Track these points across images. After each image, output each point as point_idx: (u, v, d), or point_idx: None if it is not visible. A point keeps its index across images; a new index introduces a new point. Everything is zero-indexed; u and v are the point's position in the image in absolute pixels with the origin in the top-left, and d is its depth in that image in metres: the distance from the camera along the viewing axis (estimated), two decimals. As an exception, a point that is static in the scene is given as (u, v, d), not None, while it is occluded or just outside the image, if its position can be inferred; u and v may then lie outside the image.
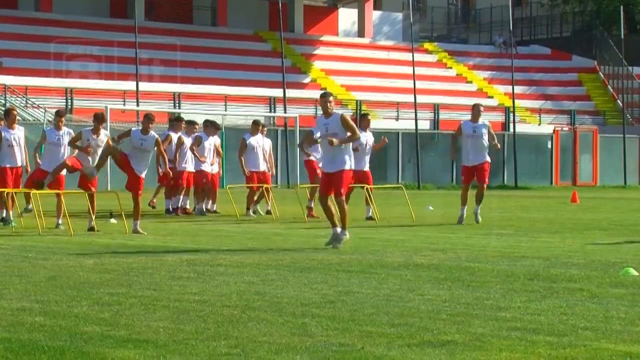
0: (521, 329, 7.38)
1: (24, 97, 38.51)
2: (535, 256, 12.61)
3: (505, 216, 21.99)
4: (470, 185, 19.58)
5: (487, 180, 19.66)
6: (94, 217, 17.18)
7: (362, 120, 21.49)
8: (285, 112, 40.91)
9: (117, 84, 41.34)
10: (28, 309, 8.24)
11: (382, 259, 12.25)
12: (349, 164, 14.20)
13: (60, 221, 17.57)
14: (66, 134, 18.05)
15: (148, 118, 17.35)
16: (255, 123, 22.66)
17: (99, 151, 17.54)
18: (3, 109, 36.28)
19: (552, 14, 63.35)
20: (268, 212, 21.81)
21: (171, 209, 22.17)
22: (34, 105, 37.84)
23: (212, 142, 22.31)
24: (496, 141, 19.64)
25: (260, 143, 22.13)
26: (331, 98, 14.32)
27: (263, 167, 21.99)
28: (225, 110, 40.68)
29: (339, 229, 14.04)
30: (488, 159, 19.65)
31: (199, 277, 10.45)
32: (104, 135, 17.67)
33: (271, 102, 43.58)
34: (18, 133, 18.65)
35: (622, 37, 50.45)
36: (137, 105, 37.59)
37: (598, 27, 60.16)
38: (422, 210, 22.48)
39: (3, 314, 8.00)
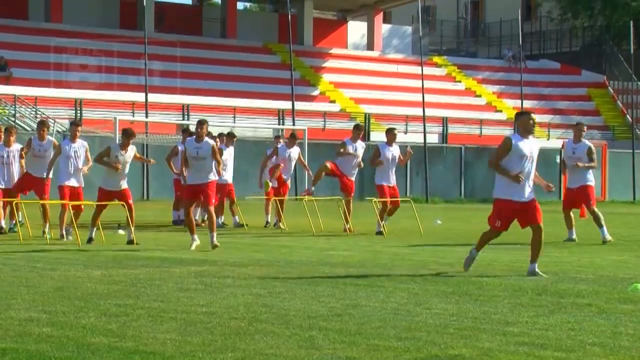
0: (529, 344, 7.36)
1: (33, 107, 38.61)
2: (544, 271, 12.57)
3: (513, 230, 21.90)
4: (570, 210, 18.79)
5: (592, 202, 18.71)
6: (132, 229, 17.08)
7: (388, 134, 20.72)
8: (293, 125, 40.90)
9: (126, 95, 41.43)
10: (35, 320, 8.24)
11: (390, 273, 12.23)
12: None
13: (47, 228, 17.97)
14: (81, 146, 17.98)
15: (200, 123, 16.49)
16: (293, 136, 22.78)
17: (127, 167, 17.39)
18: (13, 119, 36.45)
19: (561, 29, 63.37)
20: (276, 225, 21.81)
21: (178, 220, 22.20)
22: (43, 115, 37.92)
23: (231, 152, 22.36)
24: (589, 163, 18.79)
25: (294, 155, 22.27)
26: (534, 116, 12.71)
27: (287, 178, 22.27)
28: (234, 122, 40.76)
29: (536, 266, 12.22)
30: (589, 181, 18.85)
31: (206, 289, 10.44)
32: (131, 151, 17.31)
33: (280, 114, 43.64)
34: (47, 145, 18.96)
35: (632, 52, 50.41)
36: (146, 116, 37.66)
37: (608, 42, 60.15)
38: (430, 224, 22.46)
39: (11, 324, 8.01)
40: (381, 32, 58.83)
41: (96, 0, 51.76)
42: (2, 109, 38.38)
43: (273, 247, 16.51)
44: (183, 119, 40.46)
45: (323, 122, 44.29)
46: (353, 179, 20.96)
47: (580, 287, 10.82)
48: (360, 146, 20.91)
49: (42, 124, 19.22)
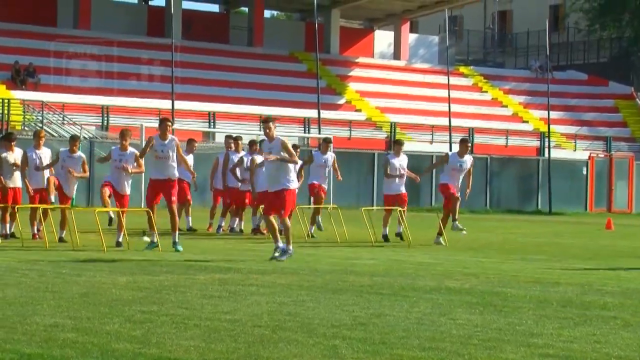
0: (553, 356, 7.32)
1: (60, 114, 38.82)
2: (569, 283, 12.52)
3: (539, 242, 21.86)
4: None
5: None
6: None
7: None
8: (319, 133, 40.93)
9: (153, 102, 41.59)
10: (61, 325, 8.28)
11: (414, 283, 12.21)
12: None
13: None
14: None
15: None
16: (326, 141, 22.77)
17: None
18: (40, 125, 36.65)
19: (589, 40, 63.15)
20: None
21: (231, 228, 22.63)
22: (70, 122, 38.14)
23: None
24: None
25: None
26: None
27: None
28: (260, 130, 40.80)
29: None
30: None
31: (230, 296, 10.45)
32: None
33: (306, 122, 43.68)
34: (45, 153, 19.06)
35: (660, 63, 50.20)
36: (172, 124, 37.77)
37: (636, 54, 59.87)
38: (455, 234, 22.38)
39: (36, 330, 8.04)
40: (408, 41, 58.79)
41: (124, 7, 52.08)
42: (30, 115, 38.63)
43: (298, 255, 16.51)
44: (209, 127, 40.57)
45: (349, 131, 44.30)
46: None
47: (606, 300, 10.76)
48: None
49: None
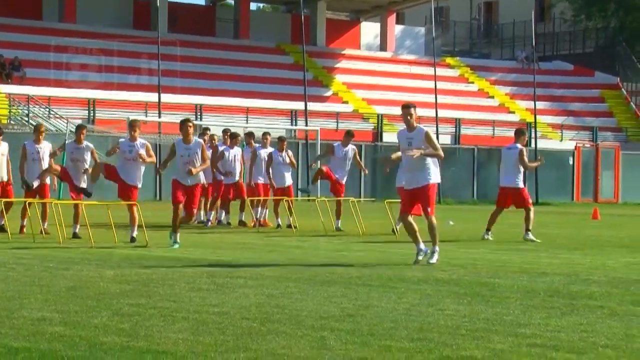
0: (541, 345, 7.34)
1: (46, 107, 38.71)
2: (556, 272, 12.56)
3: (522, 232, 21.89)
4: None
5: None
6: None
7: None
8: (306, 125, 40.98)
9: (139, 95, 41.51)
10: (48, 319, 8.27)
11: (402, 274, 12.23)
12: None
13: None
14: (86, 148, 17.94)
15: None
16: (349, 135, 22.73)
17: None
18: (26, 119, 36.56)
19: (575, 30, 63.25)
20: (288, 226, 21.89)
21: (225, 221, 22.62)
22: (56, 115, 38.04)
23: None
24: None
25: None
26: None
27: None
28: (247, 123, 40.82)
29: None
30: None
31: (218, 289, 10.46)
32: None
33: (292, 115, 43.67)
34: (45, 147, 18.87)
35: (646, 53, 50.32)
36: (159, 116, 37.76)
37: (621, 43, 59.98)
38: (442, 225, 22.44)
39: (23, 324, 8.03)
40: (394, 33, 58.81)
41: (110, 0, 51.93)
42: (15, 109, 38.52)
43: (286, 247, 16.52)
44: (196, 120, 40.51)
45: (336, 123, 44.30)
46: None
47: (593, 289, 10.80)
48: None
49: (187, 122, 16.11)
